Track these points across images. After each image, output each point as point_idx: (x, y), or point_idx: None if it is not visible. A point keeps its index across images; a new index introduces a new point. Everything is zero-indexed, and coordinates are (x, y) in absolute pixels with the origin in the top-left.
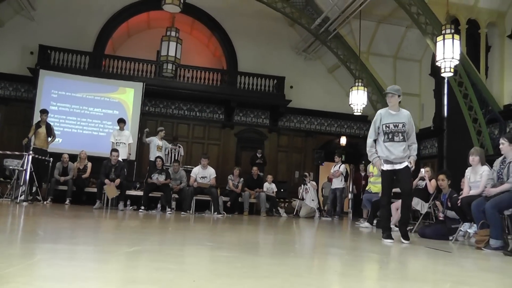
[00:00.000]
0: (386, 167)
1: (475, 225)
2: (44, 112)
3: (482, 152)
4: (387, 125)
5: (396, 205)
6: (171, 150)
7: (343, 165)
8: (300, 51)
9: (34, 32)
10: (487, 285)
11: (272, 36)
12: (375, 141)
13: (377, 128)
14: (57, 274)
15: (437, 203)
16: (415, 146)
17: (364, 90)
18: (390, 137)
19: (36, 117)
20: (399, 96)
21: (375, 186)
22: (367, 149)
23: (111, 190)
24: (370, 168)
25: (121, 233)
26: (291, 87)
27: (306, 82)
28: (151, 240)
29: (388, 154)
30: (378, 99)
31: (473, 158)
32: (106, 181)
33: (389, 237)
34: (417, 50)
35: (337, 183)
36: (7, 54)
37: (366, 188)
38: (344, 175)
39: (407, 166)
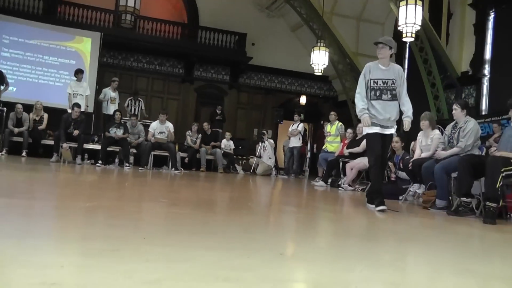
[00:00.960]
0: (374, 129)
1: (423, 186)
2: None
3: (432, 117)
4: (375, 80)
5: (351, 164)
6: (130, 103)
7: (301, 124)
8: (263, 8)
9: None
10: (428, 241)
11: None
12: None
13: (367, 81)
14: (9, 230)
15: (390, 164)
16: (408, 105)
17: (326, 50)
18: (378, 94)
19: None
20: (390, 48)
21: (331, 145)
22: (359, 103)
23: (66, 154)
24: (328, 127)
25: (78, 188)
26: (253, 44)
27: (268, 39)
28: (108, 196)
29: (375, 113)
30: (339, 59)
31: (423, 123)
32: (64, 145)
33: (382, 203)
34: (381, 13)
35: (295, 142)
36: None
37: (323, 147)
38: (302, 134)
39: (392, 134)
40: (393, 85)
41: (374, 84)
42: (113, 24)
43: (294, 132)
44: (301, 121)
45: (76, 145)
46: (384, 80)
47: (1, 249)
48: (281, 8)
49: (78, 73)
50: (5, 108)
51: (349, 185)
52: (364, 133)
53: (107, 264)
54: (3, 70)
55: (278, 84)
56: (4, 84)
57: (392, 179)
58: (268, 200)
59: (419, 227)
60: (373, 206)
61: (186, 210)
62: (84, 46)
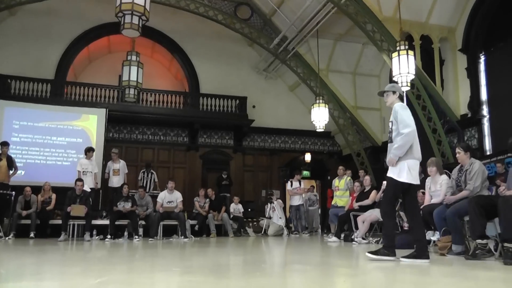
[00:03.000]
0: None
1: (438, 232)
2: (4, 144)
3: (438, 162)
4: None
5: (363, 217)
6: (143, 176)
7: (302, 182)
8: (261, 71)
9: None
10: None
11: (233, 57)
12: None
13: None
14: None
15: (401, 213)
16: (396, 144)
17: (325, 106)
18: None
19: None
20: (394, 92)
21: (341, 200)
22: None
23: (77, 209)
24: (336, 182)
25: (87, 265)
26: (254, 106)
27: (268, 101)
28: (119, 270)
29: None
30: (339, 115)
31: (431, 169)
32: (69, 208)
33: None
34: (375, 65)
35: (297, 200)
36: None
37: (332, 203)
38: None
39: (388, 177)
40: (391, 127)
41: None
42: (117, 100)
43: (299, 191)
44: (302, 177)
45: (84, 222)
46: (389, 123)
47: None
48: (278, 69)
49: (89, 151)
50: (13, 192)
51: (363, 238)
52: None
53: None
54: (12, 155)
55: (282, 143)
56: (13, 169)
57: (405, 228)
58: (282, 260)
59: (438, 276)
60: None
61: (199, 278)
62: (91, 124)
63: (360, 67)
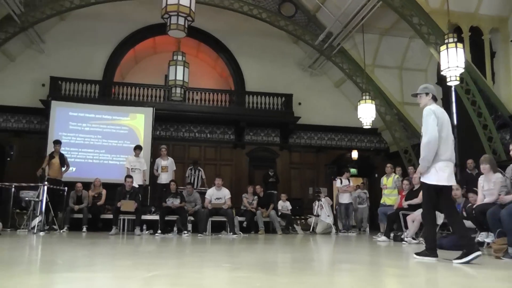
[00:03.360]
0: None
1: (492, 234)
2: (57, 142)
3: (492, 159)
4: None
5: (412, 217)
6: (190, 173)
7: (351, 180)
8: (306, 67)
9: (44, 64)
10: None
11: (277, 54)
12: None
13: None
14: None
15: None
16: (421, 155)
17: (372, 102)
18: None
19: (50, 148)
20: (427, 94)
21: (389, 198)
22: None
23: (128, 204)
24: (384, 180)
25: (138, 259)
26: (299, 103)
27: (313, 98)
28: (169, 264)
29: None
30: (386, 111)
31: (484, 167)
32: (119, 203)
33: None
34: (422, 59)
35: (346, 198)
36: (20, 87)
37: (381, 201)
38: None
39: (421, 181)
40: (422, 131)
41: None
42: (164, 98)
43: (349, 188)
44: (352, 175)
45: (134, 217)
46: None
47: None
48: (323, 65)
49: (136, 149)
50: (66, 188)
51: (413, 238)
52: None
53: None
54: (63, 153)
55: (329, 141)
56: (65, 166)
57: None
58: (330, 258)
59: (493, 280)
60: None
61: (249, 274)
62: (138, 122)
63: (407, 62)
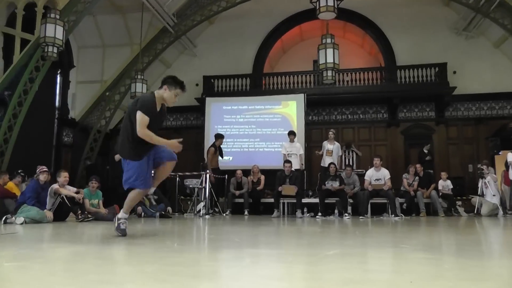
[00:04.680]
0: None
1: None
2: (220, 136)
3: None
4: None
5: None
6: (344, 154)
7: None
8: (460, 31)
9: (197, 66)
10: None
11: (428, 21)
12: None
13: None
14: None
15: None
16: None
17: None
18: None
19: (207, 141)
20: None
21: None
22: None
23: (289, 188)
24: None
25: (311, 239)
26: (454, 72)
27: (470, 63)
28: (346, 244)
29: None
30: None
31: None
32: (280, 187)
33: None
34: None
35: None
36: None
37: None
38: None
39: None
40: None
41: None
42: (314, 84)
43: None
44: None
45: (295, 201)
46: None
47: None
48: (480, 25)
49: (290, 134)
50: (226, 175)
51: None
52: None
53: None
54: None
55: (488, 110)
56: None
57: None
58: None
59: None
60: None
61: (434, 255)
62: (291, 109)
63: None
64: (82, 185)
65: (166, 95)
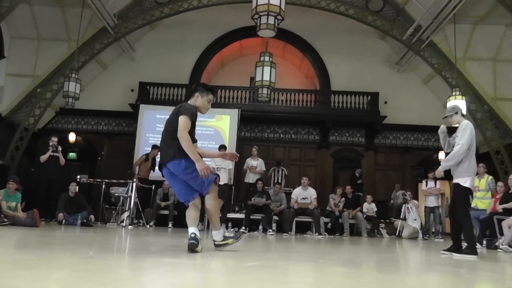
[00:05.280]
0: None
1: None
2: (156, 147)
3: None
4: None
5: (509, 222)
6: (273, 172)
7: (438, 182)
8: (393, 64)
9: (134, 71)
10: None
11: (364, 51)
12: None
13: None
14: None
15: None
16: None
17: (462, 98)
18: None
19: (138, 149)
20: (456, 113)
21: (482, 202)
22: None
23: None
24: (476, 182)
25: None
26: (385, 102)
27: (400, 95)
28: (266, 257)
29: None
30: (476, 108)
31: None
32: None
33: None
34: None
35: (432, 201)
36: (110, 93)
37: (472, 205)
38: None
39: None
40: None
41: None
42: (249, 100)
43: (434, 191)
44: (436, 179)
45: (220, 215)
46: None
47: None
48: (411, 61)
49: (221, 148)
50: (153, 185)
51: (510, 246)
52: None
53: None
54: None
55: (415, 141)
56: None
57: None
58: (420, 260)
59: None
60: None
61: (355, 270)
62: (224, 124)
63: (502, 53)
64: None
65: (198, 103)
